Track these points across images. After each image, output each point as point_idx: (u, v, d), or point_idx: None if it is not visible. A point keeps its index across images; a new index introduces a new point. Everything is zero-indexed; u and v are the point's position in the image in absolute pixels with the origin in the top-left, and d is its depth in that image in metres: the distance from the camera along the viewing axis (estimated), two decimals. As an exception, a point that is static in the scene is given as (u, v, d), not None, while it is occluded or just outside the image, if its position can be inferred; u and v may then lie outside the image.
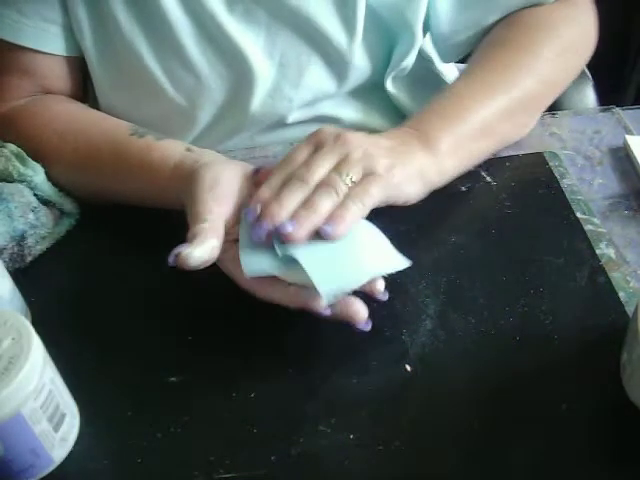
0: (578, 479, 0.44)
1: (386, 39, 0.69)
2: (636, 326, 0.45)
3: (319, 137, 0.53)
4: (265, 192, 0.50)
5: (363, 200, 0.49)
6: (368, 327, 0.48)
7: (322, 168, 0.50)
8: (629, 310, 0.52)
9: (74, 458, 0.46)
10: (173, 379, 0.49)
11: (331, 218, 0.48)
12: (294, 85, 0.68)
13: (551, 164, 0.65)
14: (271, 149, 0.69)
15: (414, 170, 0.54)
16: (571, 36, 0.66)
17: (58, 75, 0.67)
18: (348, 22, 0.65)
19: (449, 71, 0.81)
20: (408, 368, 0.49)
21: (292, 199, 0.49)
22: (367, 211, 0.50)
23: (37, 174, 0.60)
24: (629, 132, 0.68)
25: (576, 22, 0.67)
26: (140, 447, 0.46)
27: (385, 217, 0.60)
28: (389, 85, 0.72)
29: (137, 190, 0.58)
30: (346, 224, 0.48)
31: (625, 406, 0.46)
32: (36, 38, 0.63)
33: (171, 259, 0.47)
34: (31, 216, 0.58)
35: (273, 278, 0.48)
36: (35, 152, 0.61)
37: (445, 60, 0.76)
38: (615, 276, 0.54)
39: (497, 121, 0.60)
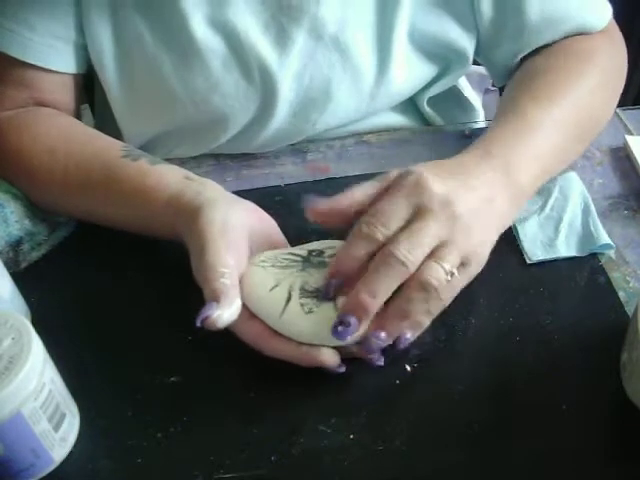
0: (578, 479, 0.44)
1: (431, 69, 0.69)
2: (636, 326, 0.45)
3: (421, 199, 0.47)
4: (349, 261, 0.46)
5: (448, 301, 0.47)
6: (381, 362, 0.47)
7: (426, 249, 0.45)
8: (629, 310, 0.52)
9: (74, 458, 0.46)
10: (173, 379, 0.49)
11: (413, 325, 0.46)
12: (320, 110, 0.66)
13: (551, 164, 0.65)
14: (271, 153, 0.69)
15: (495, 225, 0.50)
16: (609, 69, 0.64)
17: (55, 90, 0.65)
18: (383, 53, 0.64)
19: (465, 86, 0.82)
20: (408, 368, 0.49)
21: (386, 290, 0.45)
22: None
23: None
24: (629, 132, 0.68)
25: (614, 55, 0.66)
26: (140, 447, 0.46)
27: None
28: (425, 104, 0.72)
29: (129, 216, 0.56)
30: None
31: (625, 405, 0.46)
32: (43, 55, 0.61)
33: (199, 322, 0.45)
34: (27, 222, 0.57)
35: (282, 337, 0.47)
36: (26, 169, 0.59)
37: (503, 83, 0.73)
38: (615, 276, 0.55)
39: (569, 146, 0.59)
